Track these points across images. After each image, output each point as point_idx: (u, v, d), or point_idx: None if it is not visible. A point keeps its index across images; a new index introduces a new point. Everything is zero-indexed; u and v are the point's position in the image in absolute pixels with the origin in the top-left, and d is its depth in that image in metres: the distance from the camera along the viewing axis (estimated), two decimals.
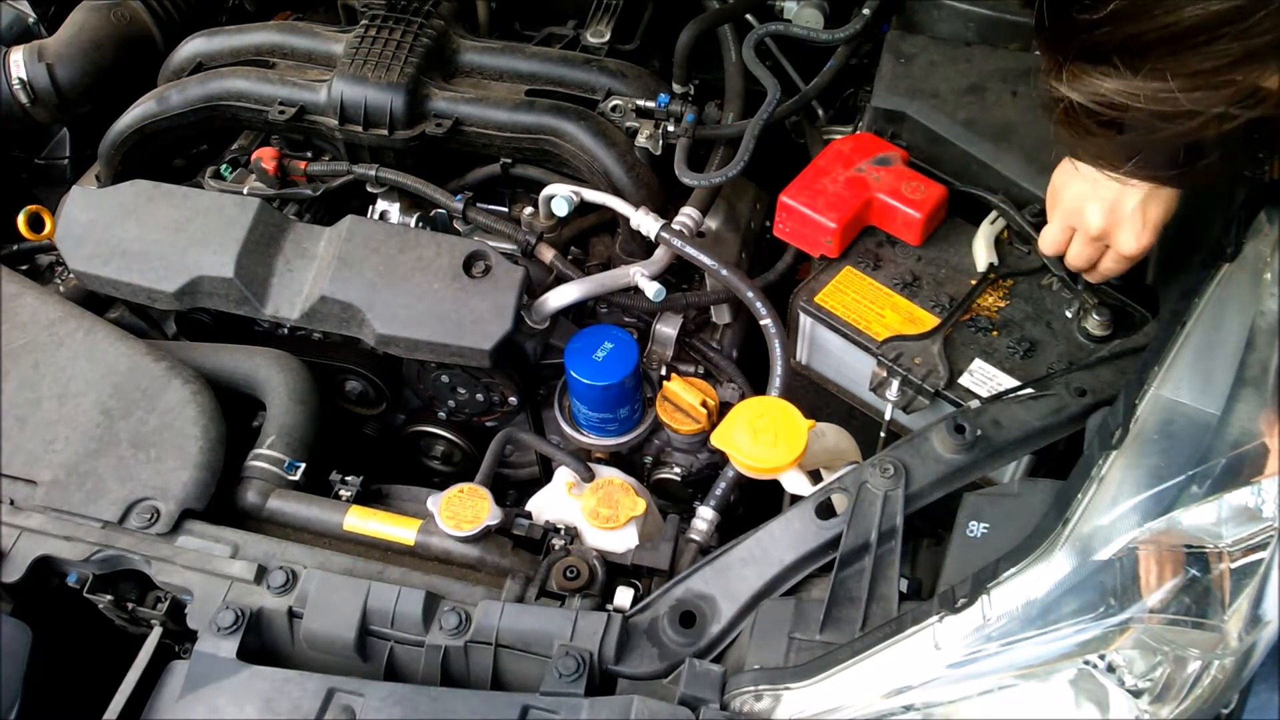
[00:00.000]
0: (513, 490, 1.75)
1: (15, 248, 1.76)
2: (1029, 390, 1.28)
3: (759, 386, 1.50)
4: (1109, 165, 1.00)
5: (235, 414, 1.45)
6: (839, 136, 1.77)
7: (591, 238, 1.73)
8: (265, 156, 1.65)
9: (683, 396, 1.51)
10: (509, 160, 1.67)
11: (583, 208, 1.59)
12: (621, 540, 1.33)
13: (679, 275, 1.66)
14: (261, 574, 1.24)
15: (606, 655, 1.15)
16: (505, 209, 1.74)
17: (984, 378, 1.35)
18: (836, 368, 1.53)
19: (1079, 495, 1.07)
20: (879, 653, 1.07)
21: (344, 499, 1.40)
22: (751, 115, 1.63)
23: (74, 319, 1.47)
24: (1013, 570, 1.05)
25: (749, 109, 1.68)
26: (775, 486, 1.32)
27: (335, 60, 1.68)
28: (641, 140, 1.63)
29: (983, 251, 1.47)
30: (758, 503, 1.56)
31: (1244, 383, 1.10)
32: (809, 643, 1.12)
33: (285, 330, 1.61)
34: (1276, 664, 1.02)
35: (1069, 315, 1.41)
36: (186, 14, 1.98)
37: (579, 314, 1.66)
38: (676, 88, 1.70)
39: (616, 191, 1.58)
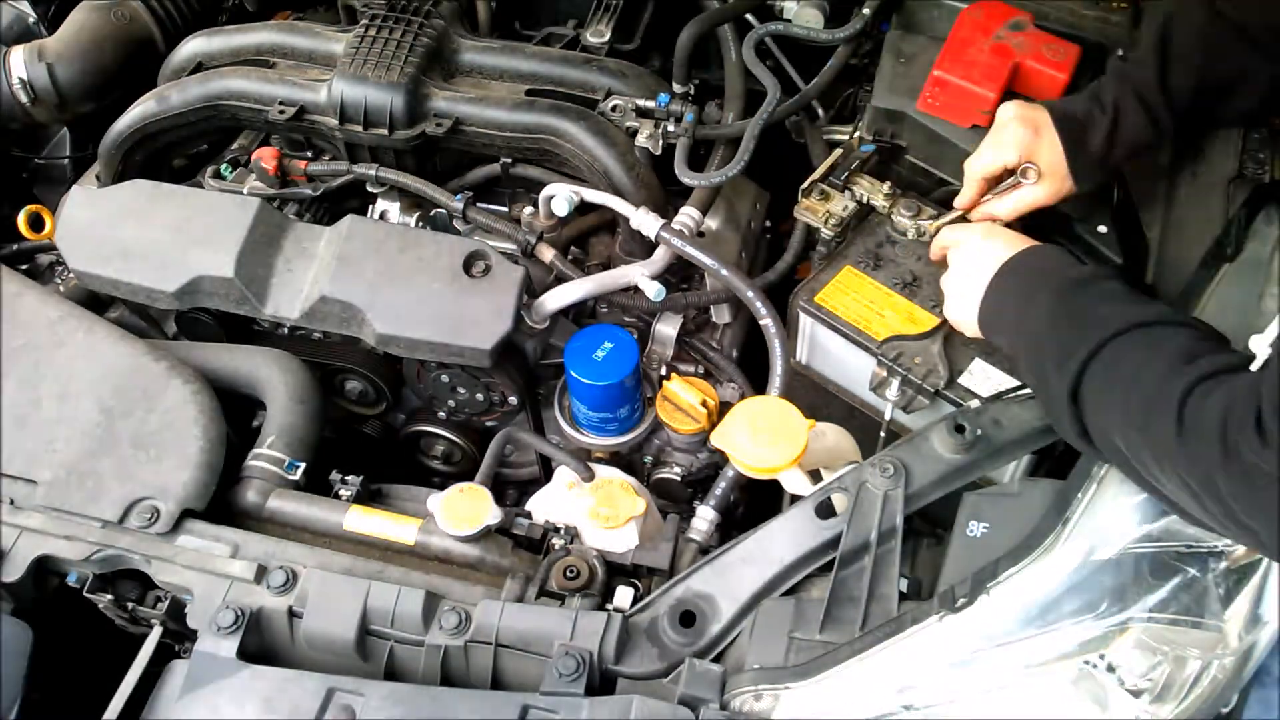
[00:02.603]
0: (513, 490, 1.75)
1: (15, 247, 1.77)
2: (1029, 390, 1.28)
3: (759, 386, 1.50)
4: None
5: (235, 414, 1.45)
6: (841, 135, 1.77)
7: (591, 238, 1.73)
8: (265, 156, 1.65)
9: (683, 396, 1.51)
10: (509, 160, 1.67)
11: (583, 208, 1.59)
12: (621, 540, 1.33)
13: (679, 275, 1.66)
14: (261, 573, 1.24)
15: (606, 655, 1.15)
16: (505, 209, 1.74)
17: (984, 378, 1.35)
18: (836, 368, 1.53)
19: (1079, 495, 1.07)
20: (879, 652, 1.07)
21: (344, 499, 1.40)
22: (751, 115, 1.63)
23: (74, 319, 1.47)
24: (1013, 570, 1.06)
25: (749, 109, 1.68)
26: (775, 486, 1.32)
27: (335, 60, 1.67)
28: (641, 140, 1.63)
29: None
30: (758, 503, 1.56)
31: None
32: (809, 642, 1.12)
33: (285, 330, 1.61)
34: (1277, 664, 1.02)
35: None
36: (186, 14, 1.98)
37: (579, 314, 1.66)
38: (676, 87, 1.70)
39: (616, 191, 1.58)
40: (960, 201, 1.44)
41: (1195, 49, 1.28)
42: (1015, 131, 1.34)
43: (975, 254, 1.28)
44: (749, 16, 1.83)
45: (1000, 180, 1.39)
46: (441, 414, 1.69)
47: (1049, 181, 1.34)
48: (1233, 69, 1.28)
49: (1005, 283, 1.22)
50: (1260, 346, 0.95)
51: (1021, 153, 1.33)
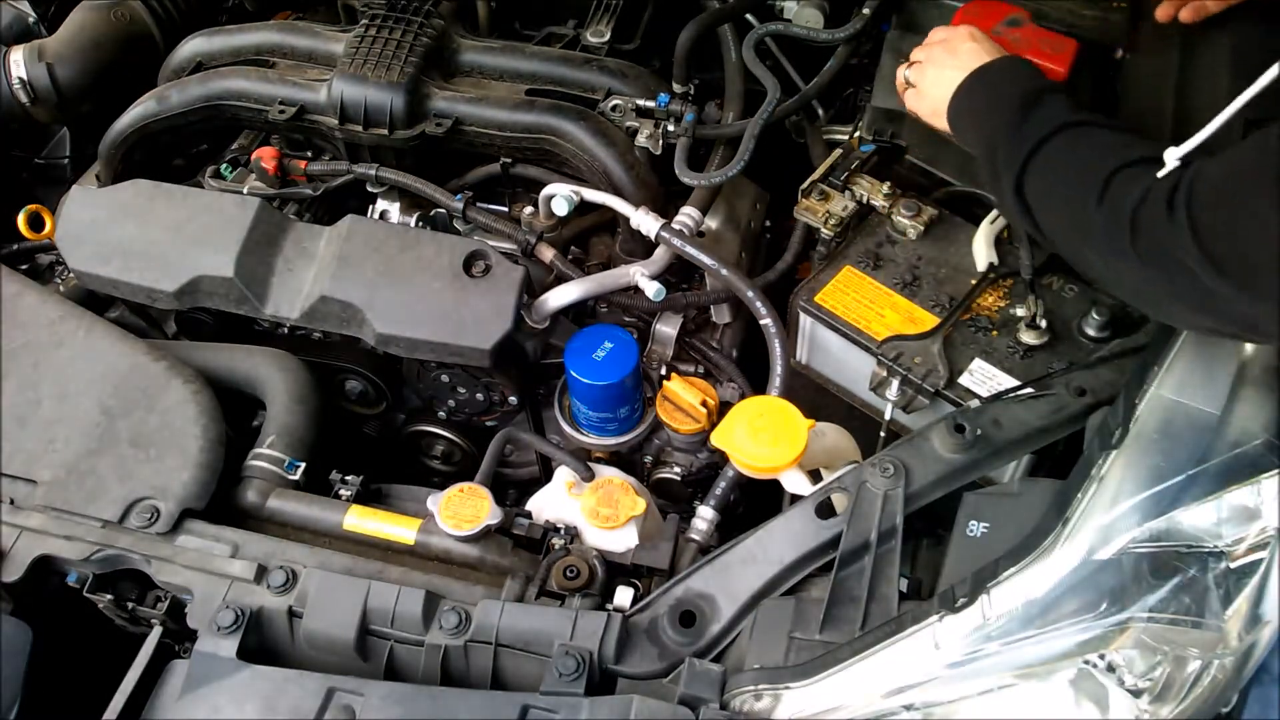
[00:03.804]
0: (513, 490, 1.75)
1: (15, 247, 1.77)
2: (1029, 390, 1.28)
3: (759, 386, 1.50)
4: None
5: (235, 414, 1.45)
6: (841, 135, 1.77)
7: (591, 237, 1.73)
8: (265, 156, 1.65)
9: (683, 396, 1.51)
10: (509, 160, 1.67)
11: (583, 207, 1.59)
12: (621, 540, 1.33)
13: (679, 275, 1.66)
14: (261, 573, 1.24)
15: (606, 655, 1.15)
16: (505, 209, 1.74)
17: (984, 377, 1.35)
18: (836, 367, 1.53)
19: (1079, 495, 1.07)
20: (879, 652, 1.07)
21: (344, 498, 1.40)
22: (751, 115, 1.63)
23: (74, 319, 1.47)
24: (1013, 570, 1.06)
25: (749, 109, 1.68)
26: (775, 486, 1.32)
27: (335, 60, 1.68)
28: (641, 140, 1.63)
29: (982, 251, 1.47)
30: (758, 503, 1.56)
31: (1244, 382, 1.10)
32: (809, 642, 1.12)
33: (285, 330, 1.61)
34: (1277, 662, 1.02)
35: (1069, 315, 1.41)
36: (186, 14, 1.99)
37: (579, 314, 1.66)
38: (676, 87, 1.70)
39: (616, 191, 1.58)
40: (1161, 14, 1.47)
41: None
42: None
43: (955, 53, 1.35)
44: (749, 16, 1.83)
45: None
46: (441, 414, 1.69)
47: None
48: None
49: (973, 87, 1.30)
50: (1171, 158, 1.00)
51: None
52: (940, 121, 1.36)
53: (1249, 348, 1.12)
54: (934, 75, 1.37)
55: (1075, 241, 1.12)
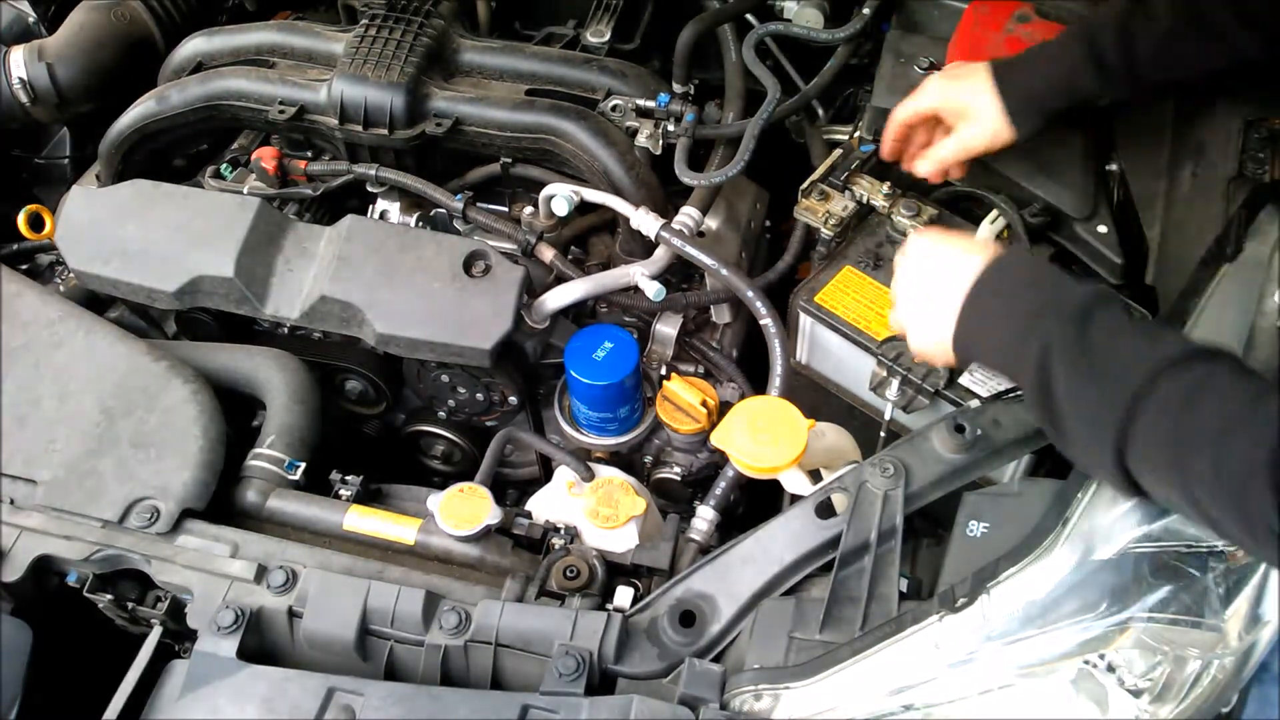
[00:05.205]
0: (513, 490, 1.75)
1: (15, 247, 1.77)
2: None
3: (759, 386, 1.50)
4: None
5: (235, 414, 1.45)
6: (841, 135, 1.77)
7: (591, 237, 1.73)
8: (265, 156, 1.65)
9: (683, 396, 1.51)
10: (509, 160, 1.67)
11: (583, 207, 1.59)
12: (621, 540, 1.33)
13: (679, 275, 1.66)
14: (261, 573, 1.24)
15: (606, 655, 1.15)
16: (505, 209, 1.74)
17: (984, 377, 1.35)
18: (836, 367, 1.53)
19: (1079, 495, 1.07)
20: (879, 652, 1.07)
21: (344, 498, 1.40)
22: (751, 115, 1.63)
23: (74, 319, 1.47)
24: (1013, 570, 1.06)
25: (749, 109, 1.68)
26: (775, 486, 1.32)
27: (335, 60, 1.67)
28: (641, 140, 1.63)
29: None
30: (758, 503, 1.56)
31: None
32: (809, 642, 1.12)
33: (285, 330, 1.61)
34: (1276, 661, 1.02)
35: None
36: (186, 14, 1.98)
37: (579, 314, 1.66)
38: (676, 87, 1.70)
39: (616, 191, 1.58)
40: (883, 150, 1.50)
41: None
42: (935, 81, 1.42)
43: (932, 267, 1.12)
44: (749, 16, 1.83)
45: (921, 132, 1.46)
46: (441, 414, 1.69)
47: (979, 126, 1.37)
48: (1206, 26, 1.25)
49: (984, 306, 1.05)
50: None
51: (941, 99, 1.39)
52: (949, 359, 1.13)
53: (1248, 349, 1.12)
54: (919, 306, 1.14)
55: (1206, 510, 0.90)
